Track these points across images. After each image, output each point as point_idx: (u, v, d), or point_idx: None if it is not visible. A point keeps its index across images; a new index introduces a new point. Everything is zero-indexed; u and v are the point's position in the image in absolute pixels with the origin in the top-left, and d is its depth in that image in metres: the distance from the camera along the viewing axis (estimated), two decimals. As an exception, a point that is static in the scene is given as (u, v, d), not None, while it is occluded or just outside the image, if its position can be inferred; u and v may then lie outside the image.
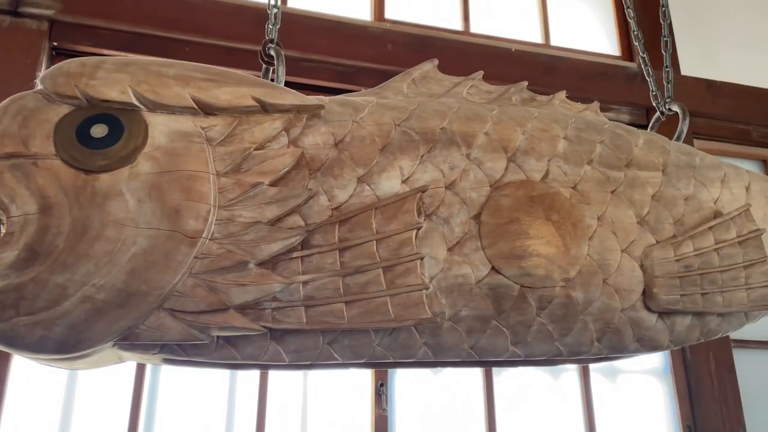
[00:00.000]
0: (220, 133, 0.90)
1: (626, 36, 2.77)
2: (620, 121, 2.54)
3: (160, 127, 0.87)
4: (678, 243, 1.04)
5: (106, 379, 1.85)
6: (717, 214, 1.09)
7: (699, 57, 2.79)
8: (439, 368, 1.95)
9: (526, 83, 1.27)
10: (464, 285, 0.95)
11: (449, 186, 0.99)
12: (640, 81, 2.57)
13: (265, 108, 0.92)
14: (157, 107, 0.88)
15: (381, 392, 1.88)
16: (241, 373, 1.90)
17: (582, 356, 1.02)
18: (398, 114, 1.04)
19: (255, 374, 1.89)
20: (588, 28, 2.79)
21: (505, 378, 2.16)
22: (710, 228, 1.06)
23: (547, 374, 2.20)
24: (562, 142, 1.08)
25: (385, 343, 0.93)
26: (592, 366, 2.22)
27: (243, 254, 0.84)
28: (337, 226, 0.91)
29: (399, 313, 0.89)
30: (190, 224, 0.83)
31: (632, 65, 2.63)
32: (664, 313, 1.03)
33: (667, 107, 1.40)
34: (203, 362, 0.89)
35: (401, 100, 1.11)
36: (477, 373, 2.10)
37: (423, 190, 0.95)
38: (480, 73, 1.26)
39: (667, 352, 2.25)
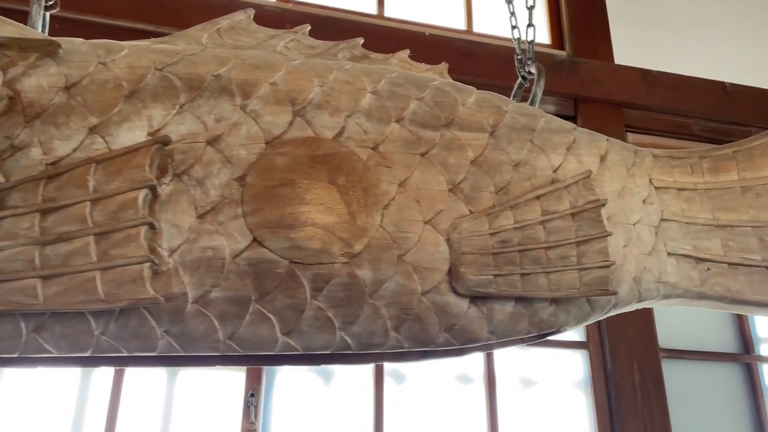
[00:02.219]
0: None
1: (557, 25, 2.62)
2: (546, 112, 2.41)
3: None
4: (496, 214, 0.87)
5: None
6: (555, 183, 0.92)
7: (636, 46, 2.64)
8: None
9: (361, 40, 1.10)
10: (215, 259, 0.77)
11: (212, 141, 0.82)
12: (567, 70, 2.42)
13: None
14: None
15: (251, 403, 1.69)
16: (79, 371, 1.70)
17: (376, 349, 0.84)
18: (164, 57, 0.87)
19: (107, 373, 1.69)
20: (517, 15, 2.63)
21: (407, 386, 1.97)
22: (538, 197, 0.89)
23: (456, 382, 2.01)
24: (367, 97, 0.91)
25: (112, 332, 0.75)
26: (505, 374, 2.04)
27: None
28: (42, 184, 0.73)
29: (111, 291, 0.71)
30: None
31: (560, 53, 2.48)
32: (478, 298, 0.86)
33: (526, 70, 1.23)
34: None
35: (186, 47, 0.93)
36: (369, 383, 1.91)
37: (162, 141, 0.77)
38: (305, 27, 1.09)
39: (586, 361, 2.07)
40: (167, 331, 0.77)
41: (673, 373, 2.10)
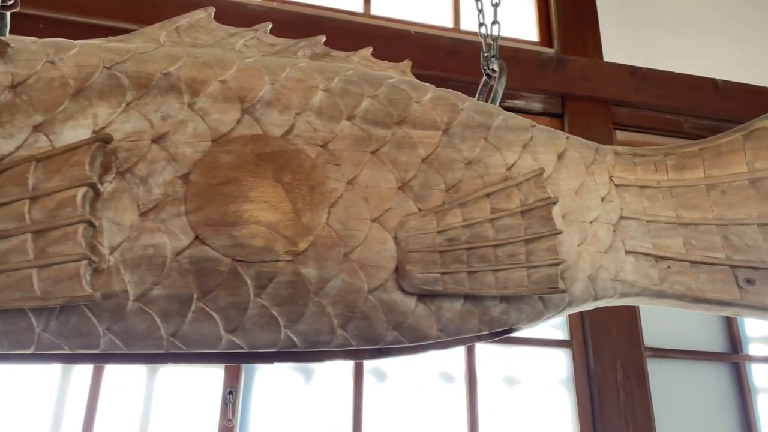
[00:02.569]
0: None
1: (546, 22, 2.61)
2: (532, 111, 2.39)
3: None
4: (444, 212, 0.86)
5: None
6: (507, 181, 0.91)
7: (626, 43, 2.62)
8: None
9: (323, 38, 1.10)
10: (156, 257, 0.77)
11: (157, 139, 0.82)
12: (554, 67, 2.41)
13: None
14: None
15: (228, 401, 1.69)
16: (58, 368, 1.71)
17: (323, 347, 0.84)
18: (113, 56, 0.87)
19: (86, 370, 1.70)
20: (507, 14, 2.62)
21: (389, 384, 1.97)
22: (488, 195, 0.89)
23: (438, 380, 2.01)
24: (319, 94, 0.91)
25: (53, 329, 0.76)
26: (487, 372, 2.03)
27: None
28: (-20, 182, 0.74)
29: (47, 289, 0.72)
30: None
31: (548, 51, 2.47)
32: (426, 296, 0.85)
33: (490, 67, 1.22)
34: None
35: (139, 46, 0.93)
36: (350, 381, 1.91)
37: (103, 139, 0.77)
38: (266, 25, 1.09)
39: (570, 360, 2.06)
40: (109, 329, 0.77)
41: (658, 372, 2.09)
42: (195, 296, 0.78)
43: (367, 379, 1.93)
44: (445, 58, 2.26)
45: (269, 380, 1.85)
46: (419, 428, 1.91)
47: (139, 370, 1.75)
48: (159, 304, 0.77)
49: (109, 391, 1.73)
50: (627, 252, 0.99)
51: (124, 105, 0.83)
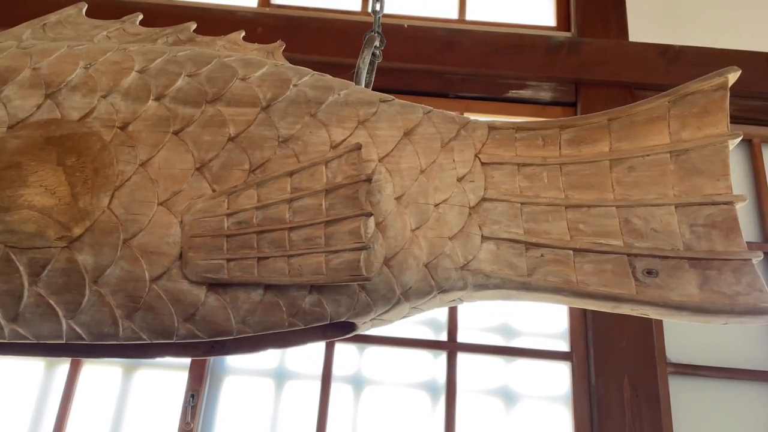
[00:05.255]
0: None
1: (565, 5, 2.41)
2: (540, 101, 2.20)
3: None
4: (237, 193, 0.79)
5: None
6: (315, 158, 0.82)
7: (657, 21, 2.35)
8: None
9: (193, 25, 1.07)
10: (-76, 245, 0.77)
11: (-44, 128, 0.82)
12: (566, 52, 2.21)
13: None
14: None
15: (190, 404, 1.68)
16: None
17: (110, 340, 0.79)
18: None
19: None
20: (522, 1, 2.46)
21: (366, 393, 1.87)
22: (290, 174, 0.80)
23: (421, 390, 1.88)
24: (132, 76, 0.87)
25: None
26: (476, 383, 1.87)
27: None
28: None
29: None
30: None
31: (558, 35, 2.27)
32: (219, 286, 0.78)
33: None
34: None
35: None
36: (315, 384, 1.83)
37: None
38: (135, 15, 1.08)
39: (569, 375, 1.84)
40: None
41: (684, 393, 1.81)
42: (-32, 284, 0.77)
43: (342, 388, 1.84)
44: (439, 51, 2.15)
45: (238, 386, 1.82)
46: (393, 440, 1.79)
47: (116, 370, 1.79)
48: (-70, 292, 0.76)
49: (86, 390, 1.79)
50: (485, 238, 0.85)
51: None
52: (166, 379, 1.82)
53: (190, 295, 0.78)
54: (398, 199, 0.84)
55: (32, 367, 1.84)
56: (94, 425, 1.76)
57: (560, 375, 1.86)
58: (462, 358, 1.86)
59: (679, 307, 0.83)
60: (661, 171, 0.91)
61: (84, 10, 1.08)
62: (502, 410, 1.83)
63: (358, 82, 1.02)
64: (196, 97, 0.86)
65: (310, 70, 0.94)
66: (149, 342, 0.81)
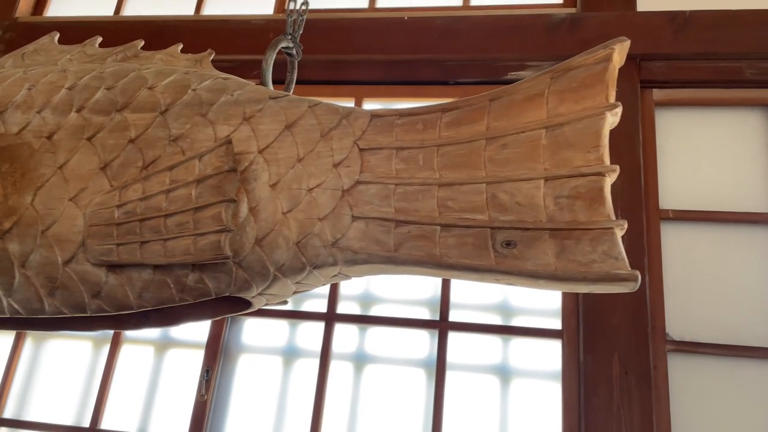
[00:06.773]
0: None
1: (573, -20, 2.36)
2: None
3: None
4: (127, 187, 0.92)
5: None
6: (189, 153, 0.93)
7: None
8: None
9: (140, 42, 1.22)
10: None
11: (-75, 146, 1.02)
12: (567, 29, 2.18)
13: None
14: None
15: (204, 378, 1.87)
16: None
17: (41, 314, 0.96)
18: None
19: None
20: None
21: (368, 374, 1.97)
22: (170, 168, 0.92)
23: (418, 367, 1.95)
24: (62, 92, 1.03)
25: None
26: (470, 360, 1.91)
27: None
28: None
29: None
30: None
31: (558, 12, 2.23)
32: (116, 267, 0.92)
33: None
34: None
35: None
36: (330, 368, 1.96)
37: None
38: (95, 39, 1.25)
39: (560, 352, 1.84)
40: None
41: (684, 371, 1.75)
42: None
43: (344, 366, 1.96)
44: (439, 40, 2.19)
45: (250, 362, 1.99)
46: (387, 415, 1.88)
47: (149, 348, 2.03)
48: None
49: (122, 365, 2.04)
50: (355, 218, 0.93)
51: None
52: (188, 356, 2.03)
53: (94, 275, 0.92)
54: (273, 186, 0.94)
55: (82, 347, 2.12)
56: (131, 395, 2.01)
57: (554, 353, 1.86)
58: (459, 337, 1.92)
59: (534, 276, 0.86)
60: (532, 147, 0.94)
61: (56, 39, 1.26)
62: (498, 388, 1.87)
63: (264, 83, 1.12)
64: (108, 107, 1.00)
65: (218, 74, 1.06)
66: (82, 316, 0.97)
